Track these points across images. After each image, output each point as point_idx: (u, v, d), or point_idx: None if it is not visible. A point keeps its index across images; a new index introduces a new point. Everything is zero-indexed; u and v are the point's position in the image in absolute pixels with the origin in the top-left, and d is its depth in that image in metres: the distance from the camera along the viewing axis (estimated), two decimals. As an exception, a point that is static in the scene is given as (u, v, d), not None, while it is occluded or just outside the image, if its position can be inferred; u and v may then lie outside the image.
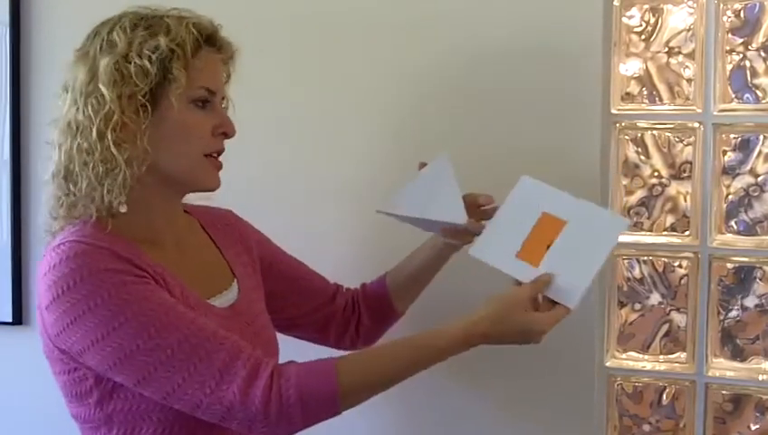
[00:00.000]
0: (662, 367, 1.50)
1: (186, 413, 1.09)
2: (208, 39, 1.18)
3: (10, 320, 1.77)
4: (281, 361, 1.27)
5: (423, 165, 1.35)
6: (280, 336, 1.32)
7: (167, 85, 1.13)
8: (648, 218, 1.50)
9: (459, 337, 1.15)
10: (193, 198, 1.27)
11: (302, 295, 1.40)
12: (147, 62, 1.12)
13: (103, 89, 1.11)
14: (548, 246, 1.25)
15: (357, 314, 1.43)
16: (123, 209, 1.14)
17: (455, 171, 1.31)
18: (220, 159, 1.21)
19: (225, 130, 1.20)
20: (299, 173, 1.61)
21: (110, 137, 1.11)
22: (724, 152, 1.45)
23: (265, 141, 1.62)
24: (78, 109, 1.13)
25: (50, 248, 1.13)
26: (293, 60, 1.60)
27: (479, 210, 1.32)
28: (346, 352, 1.22)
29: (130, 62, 1.12)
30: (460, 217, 1.29)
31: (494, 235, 1.30)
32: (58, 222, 1.18)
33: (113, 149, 1.11)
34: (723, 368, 1.47)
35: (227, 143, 1.22)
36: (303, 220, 1.60)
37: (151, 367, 1.06)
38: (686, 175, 1.47)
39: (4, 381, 1.81)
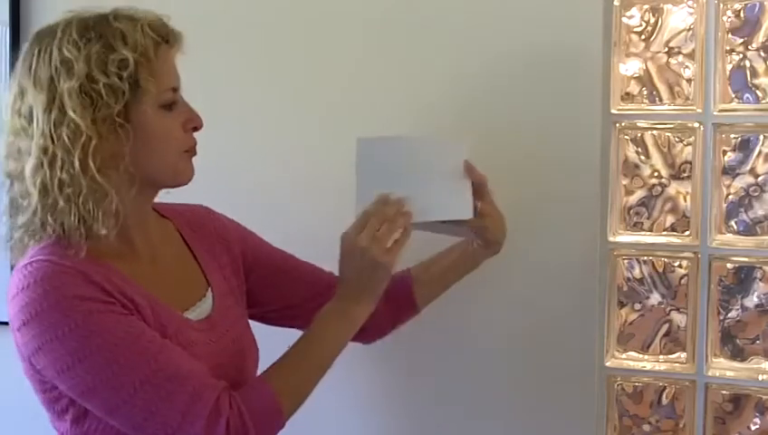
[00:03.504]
0: (662, 367, 1.50)
1: None
2: (164, 38, 1.13)
3: (10, 320, 1.77)
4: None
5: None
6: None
7: (138, 97, 1.08)
8: (648, 218, 1.50)
9: (337, 310, 1.18)
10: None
11: (297, 284, 1.38)
12: (116, 79, 1.06)
13: (74, 116, 1.05)
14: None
15: None
16: (104, 231, 1.08)
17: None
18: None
19: (194, 125, 1.16)
20: (301, 168, 1.61)
21: (93, 166, 1.05)
22: (724, 152, 1.45)
23: (266, 138, 1.63)
24: (51, 140, 1.05)
25: (19, 267, 1.09)
26: (290, 54, 1.60)
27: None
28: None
29: (97, 83, 1.06)
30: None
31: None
32: (32, 242, 1.12)
33: (99, 178, 1.06)
34: (723, 368, 1.47)
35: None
36: (309, 216, 1.60)
37: (113, 404, 1.05)
38: (685, 175, 1.47)
39: (3, 381, 1.80)
